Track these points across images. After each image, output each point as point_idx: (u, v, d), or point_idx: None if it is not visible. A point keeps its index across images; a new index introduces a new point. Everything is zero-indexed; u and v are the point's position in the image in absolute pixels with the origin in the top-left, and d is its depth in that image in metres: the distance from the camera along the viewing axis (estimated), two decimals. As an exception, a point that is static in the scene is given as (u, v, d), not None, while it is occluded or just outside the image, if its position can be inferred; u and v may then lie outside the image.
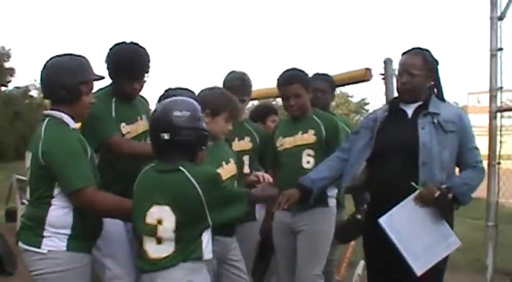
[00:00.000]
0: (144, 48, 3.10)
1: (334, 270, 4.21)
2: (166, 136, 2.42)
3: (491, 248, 3.52)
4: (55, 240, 2.51)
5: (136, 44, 3.10)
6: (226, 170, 3.00)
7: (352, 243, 4.50)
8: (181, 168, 2.41)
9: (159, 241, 2.39)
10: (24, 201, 3.21)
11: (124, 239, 3.00)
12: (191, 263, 2.41)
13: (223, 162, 3.00)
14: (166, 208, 2.38)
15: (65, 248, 2.52)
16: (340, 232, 3.58)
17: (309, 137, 3.44)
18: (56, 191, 2.53)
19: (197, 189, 2.37)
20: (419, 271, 2.74)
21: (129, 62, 3.01)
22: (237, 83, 3.61)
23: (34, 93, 31.88)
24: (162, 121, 2.45)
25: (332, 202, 3.46)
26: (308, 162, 3.42)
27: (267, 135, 3.72)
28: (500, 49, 3.51)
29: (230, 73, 3.72)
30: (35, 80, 30.76)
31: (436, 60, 2.99)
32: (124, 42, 3.12)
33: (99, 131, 2.98)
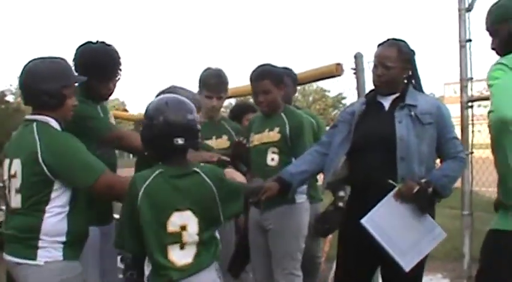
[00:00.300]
0: (112, 46, 3.01)
1: (319, 268, 4.17)
2: (180, 141, 2.31)
3: (468, 237, 3.59)
4: (51, 251, 2.45)
5: (104, 43, 3.01)
6: None
7: (330, 237, 4.48)
8: (196, 169, 2.35)
9: (182, 246, 2.32)
10: (3, 207, 3.14)
11: (98, 246, 2.94)
12: (217, 261, 2.42)
13: None
14: (188, 213, 2.31)
15: (61, 258, 2.47)
16: (320, 224, 3.57)
17: (274, 134, 3.41)
18: (53, 195, 2.46)
19: (213, 188, 2.35)
20: (407, 267, 2.70)
21: (102, 63, 2.92)
22: (213, 80, 3.60)
23: (10, 98, 31.47)
24: (178, 126, 2.30)
25: (301, 198, 3.40)
26: (272, 159, 3.39)
27: (245, 133, 3.67)
28: (469, 40, 3.57)
29: (206, 70, 3.69)
30: (11, 85, 30.44)
31: (412, 51, 2.94)
32: (91, 42, 3.01)
33: (99, 128, 2.91)
